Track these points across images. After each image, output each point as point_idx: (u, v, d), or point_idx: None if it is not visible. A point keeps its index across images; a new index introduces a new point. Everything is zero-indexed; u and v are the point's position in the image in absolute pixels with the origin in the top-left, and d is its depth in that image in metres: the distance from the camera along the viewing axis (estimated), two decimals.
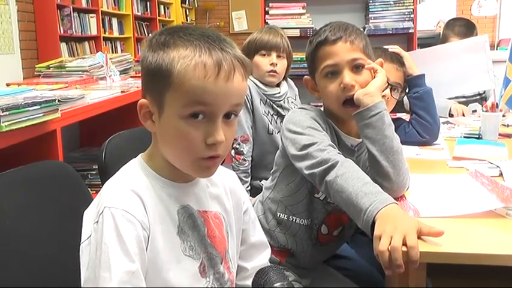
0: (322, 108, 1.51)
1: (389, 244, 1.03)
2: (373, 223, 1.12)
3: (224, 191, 1.10)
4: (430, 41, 5.20)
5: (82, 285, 0.92)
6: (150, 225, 0.92)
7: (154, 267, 0.93)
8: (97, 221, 0.90)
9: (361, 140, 1.47)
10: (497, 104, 2.09)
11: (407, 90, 1.98)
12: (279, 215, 1.52)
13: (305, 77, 1.52)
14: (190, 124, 0.92)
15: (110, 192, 0.94)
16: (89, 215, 0.95)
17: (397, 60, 1.93)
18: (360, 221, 1.17)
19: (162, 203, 0.97)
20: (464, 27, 2.95)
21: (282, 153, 1.49)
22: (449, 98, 2.70)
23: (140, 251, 0.90)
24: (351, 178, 1.24)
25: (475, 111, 2.71)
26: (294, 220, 1.50)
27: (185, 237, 0.99)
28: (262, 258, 1.17)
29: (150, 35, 1.03)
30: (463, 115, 2.59)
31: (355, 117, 1.38)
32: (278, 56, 2.31)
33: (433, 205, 1.31)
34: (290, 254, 1.53)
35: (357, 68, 1.40)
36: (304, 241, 1.51)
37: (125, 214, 0.89)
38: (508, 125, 2.32)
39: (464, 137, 2.10)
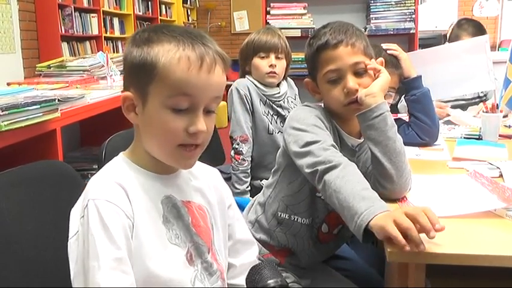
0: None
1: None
2: (366, 229, 1.11)
3: (207, 185, 1.12)
4: (432, 41, 5.21)
5: (72, 280, 0.94)
6: (134, 214, 0.94)
7: (140, 254, 0.94)
8: (83, 216, 0.92)
9: (361, 140, 1.46)
10: (497, 104, 2.08)
11: (404, 93, 1.98)
12: (280, 215, 1.51)
13: (306, 79, 1.52)
14: (173, 114, 0.96)
15: (93, 186, 0.96)
16: (75, 212, 0.97)
17: (391, 63, 1.91)
18: (352, 224, 1.16)
19: (146, 193, 0.99)
20: (476, 28, 2.96)
21: (283, 152, 1.48)
22: (449, 101, 2.70)
23: (126, 239, 0.92)
24: (351, 181, 1.23)
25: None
26: (295, 219, 1.49)
27: (170, 226, 1.01)
28: (250, 254, 1.18)
29: (132, 34, 1.09)
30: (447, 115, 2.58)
31: (358, 118, 1.38)
32: (277, 57, 2.31)
33: (435, 205, 1.30)
34: (290, 254, 1.53)
35: (359, 71, 1.40)
36: (305, 240, 1.51)
37: (108, 204, 0.92)
38: (509, 126, 2.32)
39: (464, 137, 2.10)
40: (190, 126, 0.96)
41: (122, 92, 1.02)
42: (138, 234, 0.94)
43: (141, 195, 0.98)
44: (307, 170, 1.32)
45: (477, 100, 2.86)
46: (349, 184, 1.22)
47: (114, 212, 0.91)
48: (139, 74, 0.97)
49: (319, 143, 1.33)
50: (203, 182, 1.12)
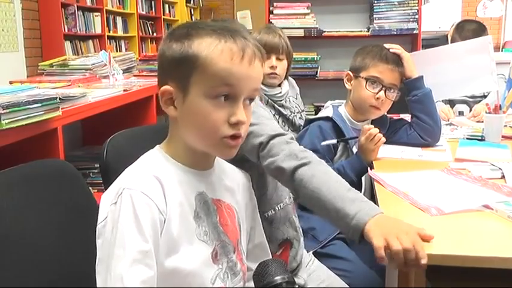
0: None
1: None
2: (362, 229, 1.09)
3: (237, 186, 1.14)
4: (435, 42, 5.18)
5: (96, 265, 0.94)
6: (167, 209, 0.95)
7: (167, 248, 0.95)
8: (115, 202, 0.93)
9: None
10: (500, 105, 2.07)
11: (406, 93, 1.98)
12: (268, 215, 1.45)
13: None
14: (215, 105, 0.97)
15: (130, 175, 0.98)
16: (106, 198, 0.97)
17: (393, 60, 1.92)
18: (343, 225, 1.13)
19: (182, 187, 1.00)
20: (472, 31, 2.91)
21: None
22: (451, 99, 2.69)
23: (154, 233, 0.92)
24: (330, 181, 1.19)
25: (461, 112, 2.70)
26: (280, 207, 1.46)
27: (200, 222, 1.01)
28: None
29: (168, 30, 1.10)
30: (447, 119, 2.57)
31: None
32: (277, 58, 2.29)
33: (451, 201, 1.31)
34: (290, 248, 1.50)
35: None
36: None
37: (143, 196, 0.92)
38: None
39: (467, 138, 2.10)
40: (231, 116, 0.98)
41: (159, 87, 1.03)
42: (168, 229, 0.95)
43: (177, 190, 0.99)
44: (272, 166, 1.29)
45: (481, 98, 2.84)
46: (331, 184, 1.19)
47: (147, 205, 0.92)
48: (181, 67, 0.98)
49: (281, 136, 1.31)
50: (234, 183, 1.13)
